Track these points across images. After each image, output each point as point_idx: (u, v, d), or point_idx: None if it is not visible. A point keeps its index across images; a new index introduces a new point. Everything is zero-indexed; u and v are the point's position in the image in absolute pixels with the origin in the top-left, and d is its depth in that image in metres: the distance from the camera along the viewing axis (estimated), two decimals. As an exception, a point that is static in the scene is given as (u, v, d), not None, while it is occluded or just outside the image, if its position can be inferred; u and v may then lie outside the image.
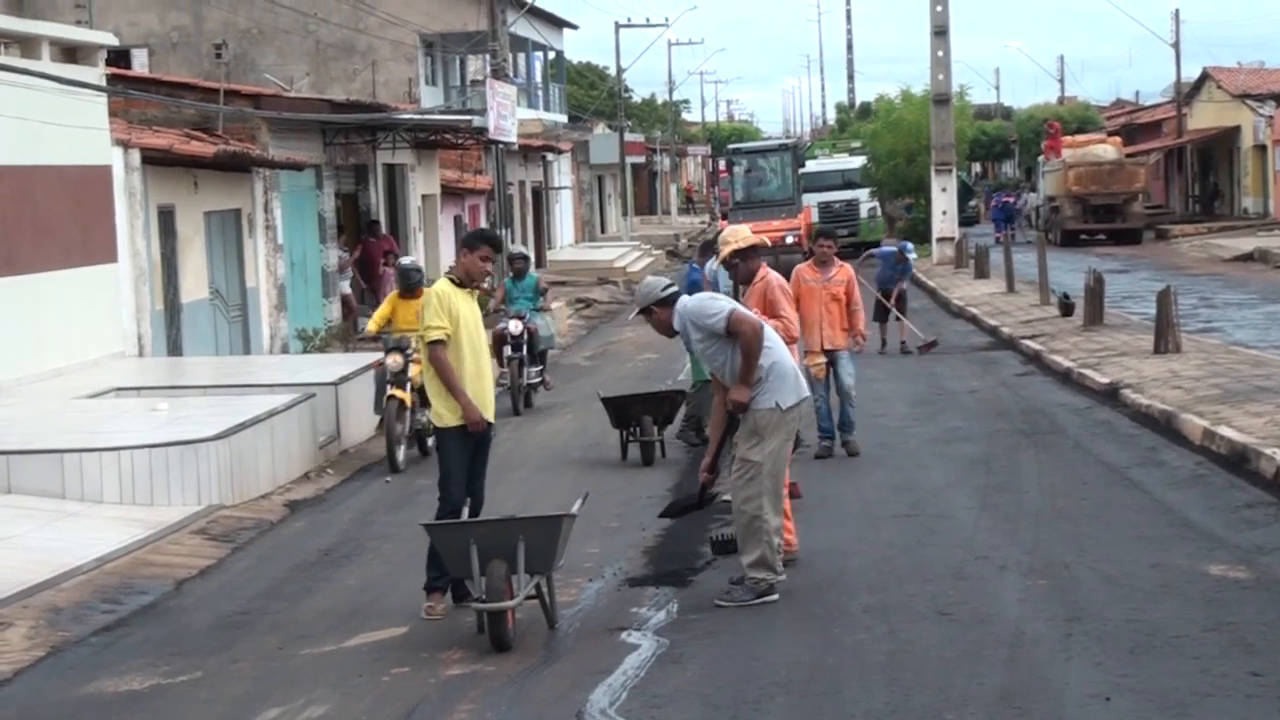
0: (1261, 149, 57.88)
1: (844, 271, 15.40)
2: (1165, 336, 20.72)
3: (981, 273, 38.16)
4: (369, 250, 29.66)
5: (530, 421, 19.16)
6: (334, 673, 8.75)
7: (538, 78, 53.92)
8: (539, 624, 9.33)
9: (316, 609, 10.36)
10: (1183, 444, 14.66)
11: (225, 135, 24.24)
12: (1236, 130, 60.29)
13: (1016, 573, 10.05)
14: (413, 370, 16.02)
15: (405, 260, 18.17)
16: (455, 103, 39.92)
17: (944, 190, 44.49)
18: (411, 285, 17.02)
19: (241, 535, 12.91)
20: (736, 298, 11.06)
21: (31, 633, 9.85)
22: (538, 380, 20.54)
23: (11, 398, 16.61)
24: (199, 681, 8.76)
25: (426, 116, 32.58)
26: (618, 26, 69.64)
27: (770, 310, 11.05)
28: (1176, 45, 67.89)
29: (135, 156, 20.23)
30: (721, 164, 74.70)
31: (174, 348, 21.24)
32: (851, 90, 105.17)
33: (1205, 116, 64.13)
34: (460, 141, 34.44)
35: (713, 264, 14.47)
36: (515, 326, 19.79)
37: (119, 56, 32.36)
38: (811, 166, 56.54)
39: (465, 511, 10.03)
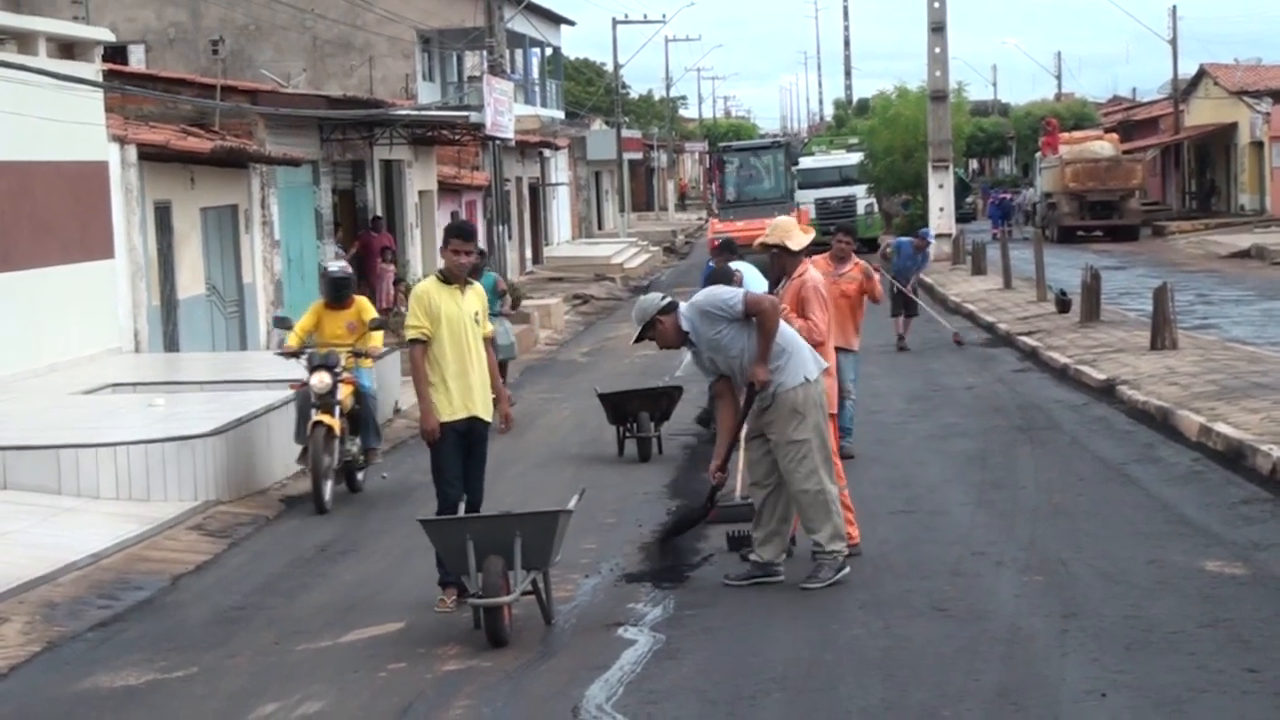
0: (1258, 145, 57.87)
1: (858, 268, 15.35)
2: (1162, 333, 20.74)
3: (979, 269, 38.20)
4: (367, 243, 29.65)
5: (525, 419, 19.14)
6: (330, 668, 8.74)
7: (535, 74, 53.90)
8: (535, 620, 9.33)
9: (313, 604, 10.36)
10: (1179, 440, 14.67)
11: (222, 131, 24.22)
12: (1233, 127, 60.28)
13: (1013, 569, 10.05)
14: (342, 392, 14.13)
15: (333, 266, 15.39)
16: (452, 99, 39.94)
17: (941, 187, 44.51)
18: (339, 293, 14.68)
19: (238, 531, 12.91)
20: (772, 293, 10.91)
21: (27, 628, 9.84)
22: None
23: (8, 393, 16.60)
24: (195, 677, 8.76)
25: (424, 112, 32.56)
26: (615, 23, 69.78)
27: (800, 309, 10.74)
28: (1174, 42, 67.89)
29: (132, 152, 20.23)
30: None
31: (170, 343, 21.24)
32: (849, 86, 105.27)
33: (1202, 113, 64.12)
34: (457, 137, 34.43)
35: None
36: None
37: (116, 52, 32.33)
38: (809, 163, 56.54)
39: (462, 509, 10.03)
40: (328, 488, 13.66)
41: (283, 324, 15.43)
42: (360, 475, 14.62)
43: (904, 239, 27.18)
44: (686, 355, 10.28)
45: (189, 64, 38.42)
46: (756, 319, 9.71)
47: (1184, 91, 66.65)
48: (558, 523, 9.23)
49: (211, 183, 22.98)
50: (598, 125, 69.99)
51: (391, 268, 29.37)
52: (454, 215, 37.98)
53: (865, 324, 15.95)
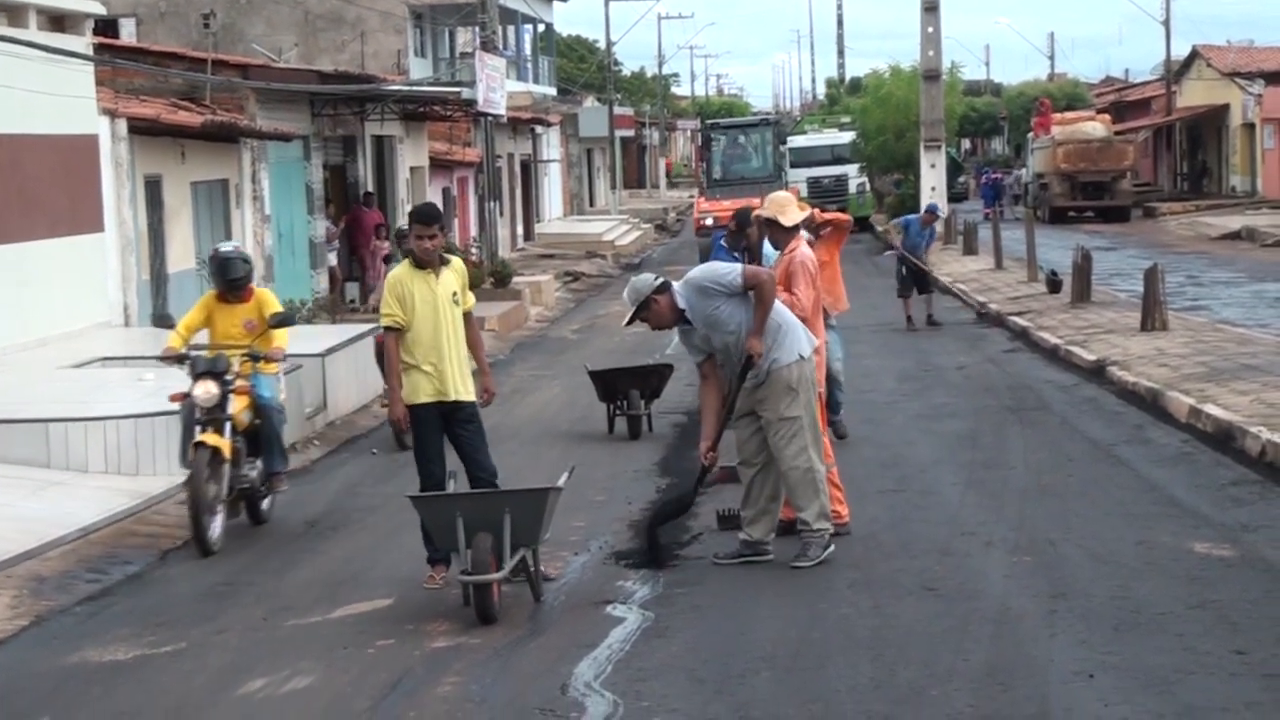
0: (1250, 127, 57.85)
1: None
2: (1152, 314, 20.75)
3: (970, 249, 38.20)
4: (358, 218, 29.59)
5: (515, 396, 19.13)
6: (319, 644, 8.74)
7: (527, 50, 53.79)
8: (524, 597, 9.34)
9: (302, 580, 10.35)
10: (1169, 422, 14.68)
11: (213, 105, 24.17)
12: (1225, 108, 60.25)
13: (1002, 549, 10.06)
14: (234, 405, 11.51)
15: (225, 247, 12.40)
16: (444, 75, 39.82)
17: (933, 166, 44.45)
18: (235, 281, 11.91)
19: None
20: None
21: (15, 602, 9.84)
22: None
23: (-3, 367, 16.58)
24: (184, 652, 8.75)
25: (415, 88, 32.49)
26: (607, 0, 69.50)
27: (787, 284, 10.84)
28: (1166, 23, 67.80)
29: (122, 126, 20.17)
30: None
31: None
32: (841, 65, 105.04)
33: (1194, 95, 64.08)
34: (449, 114, 34.36)
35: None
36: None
37: (106, 25, 32.22)
38: (800, 142, 56.47)
39: (452, 487, 10.00)
40: (214, 524, 11.06)
41: (164, 322, 12.63)
42: (265, 504, 12.05)
43: (910, 216, 26.82)
44: (675, 334, 10.19)
45: (180, 38, 38.28)
46: (754, 292, 9.71)
47: (1176, 73, 66.61)
48: (547, 500, 9.23)
49: (202, 157, 22.92)
50: (590, 102, 69.86)
51: (386, 245, 29.29)
52: (445, 192, 37.97)
53: (865, 302, 15.91)
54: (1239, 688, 7.18)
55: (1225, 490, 11.63)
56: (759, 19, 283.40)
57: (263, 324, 11.95)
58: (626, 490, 12.79)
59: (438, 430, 10.01)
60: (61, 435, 13.36)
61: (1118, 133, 58.31)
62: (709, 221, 37.38)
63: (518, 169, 48.31)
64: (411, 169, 34.38)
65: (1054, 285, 26.71)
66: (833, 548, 9.86)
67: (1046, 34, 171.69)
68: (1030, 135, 61.17)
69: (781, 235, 11.15)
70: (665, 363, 16.79)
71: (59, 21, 19.61)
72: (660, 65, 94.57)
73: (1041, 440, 14.21)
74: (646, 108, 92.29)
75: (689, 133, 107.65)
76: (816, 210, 13.78)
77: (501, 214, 39.56)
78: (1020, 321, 23.55)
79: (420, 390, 9.91)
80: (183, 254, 22.17)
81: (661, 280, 9.89)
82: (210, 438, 11.27)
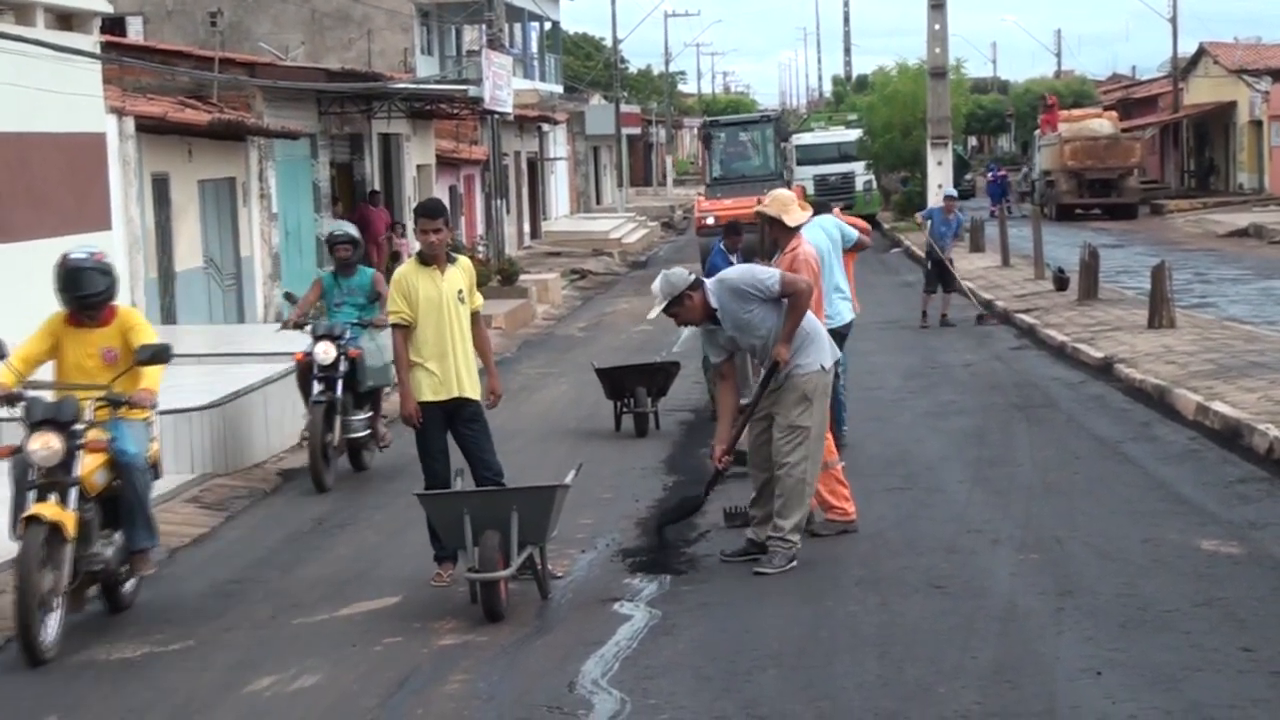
0: (1257, 124, 57.80)
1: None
2: (1159, 311, 20.73)
3: (977, 246, 38.18)
4: (365, 216, 29.60)
5: (522, 394, 19.14)
6: (326, 642, 8.75)
7: (534, 48, 53.77)
8: (532, 594, 9.34)
9: (309, 578, 10.36)
10: (1176, 419, 14.67)
11: (220, 104, 24.18)
12: (1233, 106, 60.19)
13: (1009, 547, 10.06)
14: (84, 464, 8.91)
15: (77, 253, 9.47)
16: (451, 73, 39.81)
17: (940, 164, 44.36)
18: (88, 299, 9.31)
19: (234, 504, 12.91)
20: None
21: (24, 600, 9.83)
22: (364, 433, 14.03)
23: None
24: (191, 650, 8.77)
25: (422, 86, 32.50)
26: (614, -3, 69.41)
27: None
28: (1174, 20, 67.76)
29: (129, 124, 20.19)
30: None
31: (168, 316, 21.22)
32: (848, 63, 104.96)
33: (1201, 92, 64.03)
34: (456, 111, 34.38)
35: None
36: (325, 352, 13.45)
37: (114, 24, 32.25)
38: (807, 139, 56.41)
39: (459, 484, 10.00)
40: (48, 625, 8.58)
41: None
42: (128, 587, 9.59)
43: (935, 207, 26.53)
44: (684, 331, 10.23)
45: (187, 36, 38.31)
46: (790, 299, 9.71)
47: (1183, 70, 66.53)
48: (555, 498, 9.23)
49: (209, 155, 22.94)
50: (596, 100, 69.84)
51: (405, 241, 29.27)
52: (452, 190, 37.98)
53: (872, 299, 15.88)
54: (1246, 685, 7.19)
55: (1232, 487, 11.62)
56: (765, 16, 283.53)
57: (128, 357, 9.33)
58: (633, 488, 12.79)
59: (441, 429, 10.01)
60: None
61: (1125, 130, 58.24)
62: (710, 221, 37.18)
63: (524, 167, 48.31)
64: (418, 167, 34.40)
65: (1061, 282, 26.68)
66: (795, 563, 9.73)
67: (1053, 31, 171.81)
68: (1037, 132, 61.14)
69: (783, 234, 11.22)
70: (672, 360, 16.79)
71: (66, 20, 19.62)
72: (666, 63, 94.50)
73: (1048, 438, 14.20)
74: (653, 105, 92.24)
75: (695, 130, 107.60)
76: (864, 231, 13.92)
77: (508, 212, 39.56)
78: (1027, 319, 23.53)
79: (422, 388, 9.91)
80: (190, 252, 22.19)
81: (694, 278, 9.88)
82: (47, 509, 8.63)
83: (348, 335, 13.62)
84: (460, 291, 9.99)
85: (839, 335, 13.26)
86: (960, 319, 24.28)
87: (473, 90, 31.03)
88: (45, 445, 8.76)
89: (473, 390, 10.03)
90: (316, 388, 13.49)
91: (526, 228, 47.89)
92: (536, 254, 43.74)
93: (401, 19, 41.59)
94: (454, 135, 39.73)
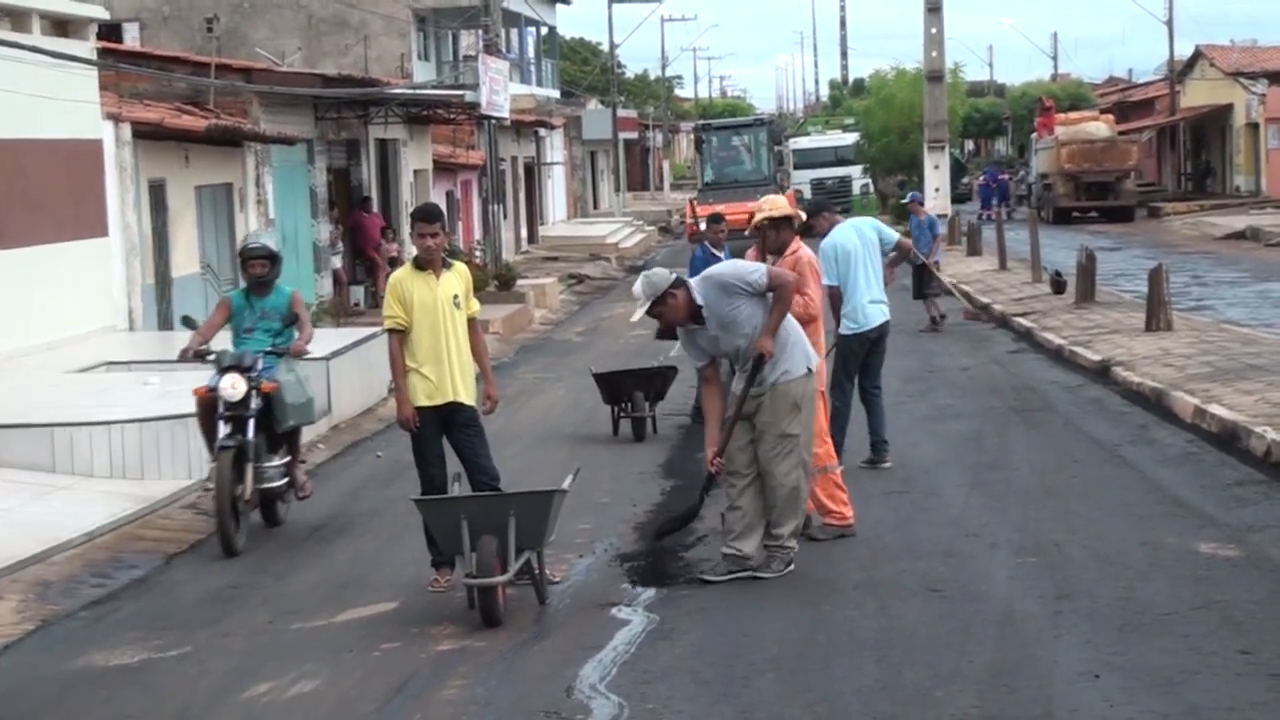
0: (1254, 127, 57.83)
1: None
2: (1157, 314, 20.74)
3: (974, 250, 38.20)
4: (359, 223, 29.61)
5: (520, 399, 19.13)
6: (324, 647, 8.75)
7: (530, 53, 53.78)
8: (529, 599, 9.34)
9: (307, 584, 10.36)
10: (1174, 422, 14.67)
11: (217, 109, 24.17)
12: (1229, 108, 60.22)
13: (1007, 550, 10.06)
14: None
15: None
16: (448, 78, 39.83)
17: (937, 167, 44.47)
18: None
19: (232, 510, 12.87)
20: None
21: (21, 606, 9.85)
22: (281, 482, 11.92)
23: (2, 371, 16.58)
24: (189, 656, 8.76)
25: (419, 91, 32.51)
26: (610, 2, 69.44)
27: (796, 286, 10.84)
28: (1170, 23, 67.77)
29: (126, 130, 20.18)
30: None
31: (165, 322, 21.20)
32: (845, 66, 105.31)
33: (1198, 94, 64.06)
34: (453, 117, 34.37)
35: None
36: (233, 386, 11.43)
37: (110, 30, 32.26)
38: (804, 143, 56.54)
39: (456, 489, 10.01)
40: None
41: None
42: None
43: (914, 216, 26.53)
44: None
45: (183, 42, 38.30)
46: (775, 292, 9.58)
47: (1180, 73, 66.58)
48: (552, 502, 9.23)
49: (206, 161, 22.93)
50: (593, 105, 69.86)
51: (394, 246, 29.28)
52: (449, 195, 37.98)
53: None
54: (1244, 688, 7.18)
55: (1230, 490, 11.62)
56: (762, 21, 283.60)
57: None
58: (631, 492, 12.79)
59: (437, 433, 10.00)
60: (67, 440, 13.36)
61: (1121, 133, 58.29)
62: (703, 226, 36.95)
63: (521, 172, 48.31)
64: (415, 172, 34.40)
65: (1058, 286, 26.69)
66: (794, 566, 9.67)
67: (1050, 34, 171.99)
68: (1034, 136, 61.17)
69: (786, 234, 11.15)
70: (670, 365, 16.78)
71: (62, 26, 19.63)
72: (663, 67, 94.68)
73: (1046, 441, 14.20)
74: (650, 110, 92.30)
75: (691, 134, 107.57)
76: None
77: (505, 217, 39.56)
78: (1025, 322, 23.54)
79: (417, 393, 9.92)
80: (187, 258, 22.18)
81: (676, 277, 9.79)
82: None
83: (260, 366, 11.59)
84: (456, 296, 9.99)
85: (874, 338, 13.26)
86: (951, 323, 24.26)
87: (469, 95, 31.03)
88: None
89: (468, 395, 10.02)
90: (223, 430, 11.38)
91: (524, 232, 47.89)
92: (534, 259, 43.75)
93: (398, 24, 41.60)
94: (451, 140, 39.74)
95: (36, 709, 8.01)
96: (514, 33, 49.31)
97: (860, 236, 13.20)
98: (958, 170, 62.29)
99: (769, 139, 46.94)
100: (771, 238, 11.24)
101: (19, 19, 18.47)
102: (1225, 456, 12.88)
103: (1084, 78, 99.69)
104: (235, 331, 11.99)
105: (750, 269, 9.83)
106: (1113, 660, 7.63)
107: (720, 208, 23.26)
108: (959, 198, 56.75)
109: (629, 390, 15.70)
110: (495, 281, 30.15)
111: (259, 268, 11.89)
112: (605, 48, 75.17)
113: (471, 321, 10.15)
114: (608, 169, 71.93)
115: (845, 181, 53.36)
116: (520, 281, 31.94)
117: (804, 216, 11.78)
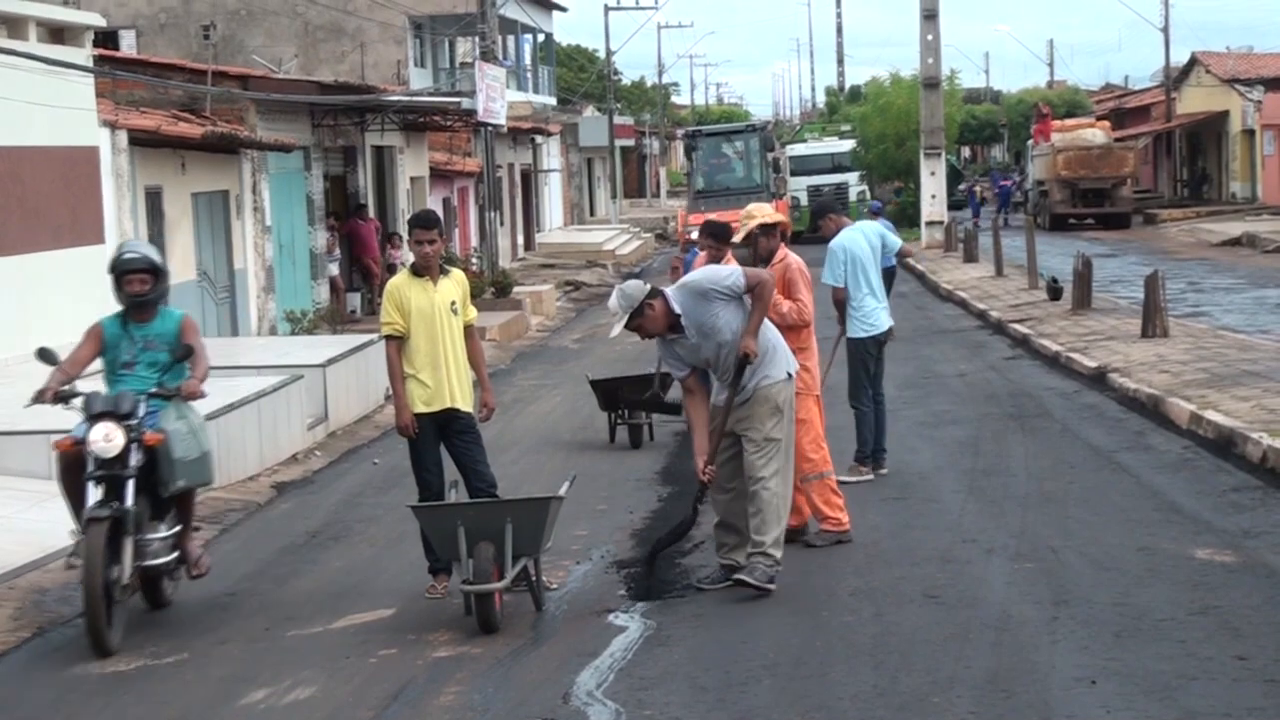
0: (1250, 134, 57.91)
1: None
2: (1153, 321, 20.75)
3: (970, 257, 38.23)
4: (354, 230, 29.60)
5: (516, 405, 19.13)
6: (321, 654, 8.74)
7: (527, 60, 53.81)
8: (526, 606, 9.34)
9: (304, 590, 10.35)
10: (1170, 428, 14.68)
11: (213, 116, 24.17)
12: (1225, 115, 60.31)
13: (1004, 556, 10.06)
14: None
15: None
16: (444, 85, 39.89)
17: (933, 174, 44.54)
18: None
19: (229, 517, 12.91)
20: None
21: (17, 614, 9.84)
22: (169, 558, 9.53)
23: (-2, 379, 16.56)
24: (186, 663, 8.75)
25: (415, 98, 32.51)
26: (607, 9, 69.50)
27: (788, 292, 10.85)
28: (1166, 30, 67.90)
29: (123, 137, 20.18)
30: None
31: (162, 329, 21.17)
32: (841, 74, 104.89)
33: (1194, 101, 64.15)
34: (449, 124, 34.38)
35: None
36: (107, 438, 9.11)
37: (106, 37, 32.26)
38: (801, 150, 56.52)
39: (452, 496, 10.00)
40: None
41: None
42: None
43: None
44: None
45: (180, 49, 38.31)
46: (754, 291, 9.48)
47: (1176, 79, 66.68)
48: (549, 509, 9.23)
49: (202, 168, 22.93)
50: (590, 112, 69.88)
51: (398, 253, 29.22)
52: (446, 202, 37.99)
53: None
54: (1241, 693, 7.18)
55: (1226, 496, 11.62)
56: (758, 28, 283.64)
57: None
58: (628, 499, 12.79)
59: (434, 440, 10.01)
60: (63, 447, 13.33)
61: (1118, 139, 58.33)
62: (695, 235, 36.81)
63: (518, 179, 48.33)
64: (412, 179, 34.40)
65: (1055, 292, 26.71)
66: (774, 585, 9.45)
67: (1046, 41, 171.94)
68: (1030, 142, 61.22)
69: (774, 242, 11.15)
70: (666, 371, 16.77)
71: (59, 33, 19.62)
72: (660, 74, 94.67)
73: (1043, 447, 14.21)
74: (646, 117, 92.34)
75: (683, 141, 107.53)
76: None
77: (502, 224, 39.58)
78: (1021, 329, 23.55)
79: (414, 399, 9.92)
80: (183, 265, 22.16)
81: (652, 286, 9.73)
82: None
83: (142, 411, 9.29)
84: (453, 303, 9.99)
85: (879, 343, 13.29)
86: (954, 329, 24.29)
87: (466, 102, 31.05)
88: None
89: (465, 402, 10.03)
90: (93, 495, 8.98)
91: (520, 240, 47.91)
92: (530, 266, 43.77)
93: (395, 32, 41.62)
94: (448, 147, 39.75)
95: (33, 717, 8.00)
96: (510, 40, 49.33)
97: (869, 241, 13.30)
98: (954, 177, 62.35)
99: (761, 145, 46.36)
100: (763, 244, 11.24)
101: (15, 26, 18.46)
102: (1221, 462, 12.88)
103: (1080, 84, 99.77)
104: (110, 368, 9.78)
105: (725, 273, 9.77)
106: (1109, 666, 7.63)
107: (711, 217, 23.22)
108: (955, 205, 56.76)
109: (625, 397, 15.70)
110: (492, 288, 30.16)
111: (138, 284, 9.62)
112: (602, 55, 75.22)
113: (469, 328, 10.15)
114: (604, 176, 71.97)
115: (842, 188, 53.29)
116: (517, 288, 31.96)
117: (791, 226, 11.82)
